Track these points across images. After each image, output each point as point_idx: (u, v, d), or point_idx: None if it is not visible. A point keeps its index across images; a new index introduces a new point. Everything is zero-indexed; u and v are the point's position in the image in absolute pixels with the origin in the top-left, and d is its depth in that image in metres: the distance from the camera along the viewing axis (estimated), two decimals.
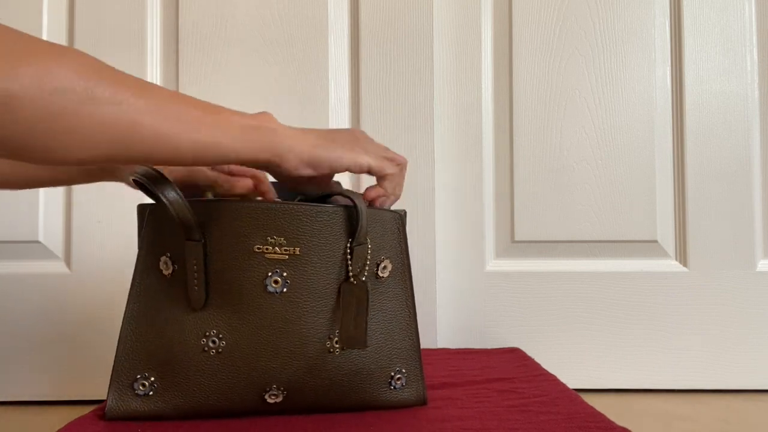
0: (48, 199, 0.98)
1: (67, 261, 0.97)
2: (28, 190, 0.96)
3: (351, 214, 0.56)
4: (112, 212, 0.96)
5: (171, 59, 1.00)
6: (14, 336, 0.96)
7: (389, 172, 0.58)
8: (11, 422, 0.88)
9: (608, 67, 1.01)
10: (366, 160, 0.56)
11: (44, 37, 0.98)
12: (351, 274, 0.55)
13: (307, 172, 0.53)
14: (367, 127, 0.99)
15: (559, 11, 1.01)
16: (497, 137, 1.03)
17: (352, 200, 0.56)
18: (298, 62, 0.99)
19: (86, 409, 0.59)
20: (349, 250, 0.56)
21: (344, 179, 0.96)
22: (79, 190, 0.97)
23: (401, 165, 0.59)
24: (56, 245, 0.98)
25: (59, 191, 0.98)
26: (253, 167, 0.53)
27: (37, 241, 0.97)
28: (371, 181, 0.99)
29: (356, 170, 0.56)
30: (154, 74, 0.99)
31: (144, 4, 0.99)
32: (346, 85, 1.01)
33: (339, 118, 1.00)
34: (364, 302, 0.55)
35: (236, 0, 0.99)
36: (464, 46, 1.02)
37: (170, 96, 0.47)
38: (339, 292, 0.55)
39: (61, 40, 0.99)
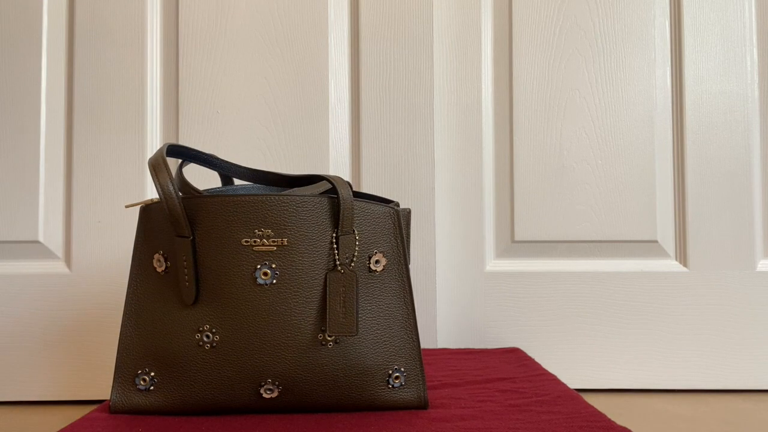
0: (48, 199, 0.98)
1: (67, 261, 0.97)
2: (27, 189, 0.96)
3: (335, 203, 0.56)
4: (112, 212, 0.96)
5: (171, 59, 1.00)
6: (14, 336, 0.96)
7: None
8: (11, 422, 0.88)
9: (608, 67, 1.01)
10: None
11: (44, 36, 0.98)
12: (338, 263, 0.56)
13: None
14: (367, 126, 0.99)
15: (559, 11, 1.01)
16: (497, 137, 1.03)
17: (334, 186, 0.56)
18: (298, 62, 0.99)
19: (86, 409, 0.59)
20: (335, 240, 0.56)
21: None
22: (79, 190, 0.97)
23: None
24: (56, 245, 0.97)
25: (59, 191, 0.98)
26: None
27: (37, 241, 0.97)
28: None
29: None
30: (154, 74, 0.99)
31: (144, 3, 0.99)
32: (346, 85, 1.01)
33: (339, 118, 1.00)
34: (353, 291, 0.56)
35: (236, 0, 0.99)
36: (464, 46, 1.02)
37: None
38: (325, 281, 0.56)
39: (61, 39, 0.99)
